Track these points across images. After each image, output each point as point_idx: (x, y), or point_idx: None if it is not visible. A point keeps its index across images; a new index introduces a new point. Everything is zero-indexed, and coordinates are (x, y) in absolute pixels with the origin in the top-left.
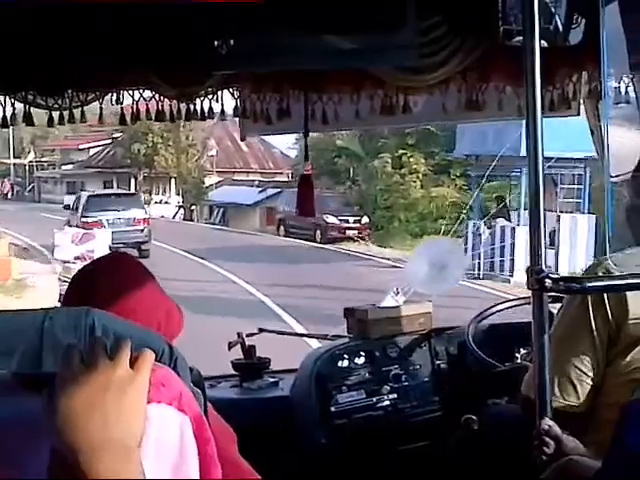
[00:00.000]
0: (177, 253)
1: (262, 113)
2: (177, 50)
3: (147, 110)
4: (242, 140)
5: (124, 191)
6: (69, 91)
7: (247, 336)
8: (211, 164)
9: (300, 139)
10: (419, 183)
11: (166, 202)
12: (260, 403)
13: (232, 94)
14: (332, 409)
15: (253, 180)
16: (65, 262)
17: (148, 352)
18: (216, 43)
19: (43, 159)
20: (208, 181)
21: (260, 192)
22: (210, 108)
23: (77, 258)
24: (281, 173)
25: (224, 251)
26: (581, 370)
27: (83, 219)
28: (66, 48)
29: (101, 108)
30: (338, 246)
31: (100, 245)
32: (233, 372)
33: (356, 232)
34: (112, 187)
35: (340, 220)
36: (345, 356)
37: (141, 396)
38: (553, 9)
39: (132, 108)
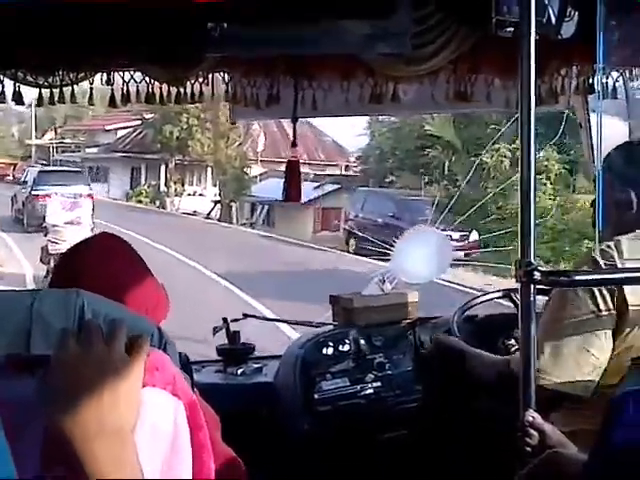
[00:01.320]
0: (209, 278)
1: (252, 98)
2: (169, 32)
3: (137, 92)
4: (232, 124)
5: (70, 168)
6: (60, 70)
7: (232, 321)
8: (254, 152)
9: (373, 123)
10: (550, 187)
11: (200, 194)
12: (243, 389)
13: (223, 78)
14: (315, 396)
15: (305, 173)
16: (54, 225)
17: (144, 336)
18: (209, 26)
19: (66, 140)
20: (251, 172)
21: (315, 188)
22: (201, 92)
23: (67, 223)
24: (335, 165)
25: (277, 279)
26: (587, 350)
27: (33, 192)
28: (57, 27)
29: (91, 88)
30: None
31: (85, 212)
32: (217, 357)
33: (462, 253)
34: (140, 175)
35: None
36: (330, 344)
37: (137, 380)
38: (547, 1)
39: (122, 89)
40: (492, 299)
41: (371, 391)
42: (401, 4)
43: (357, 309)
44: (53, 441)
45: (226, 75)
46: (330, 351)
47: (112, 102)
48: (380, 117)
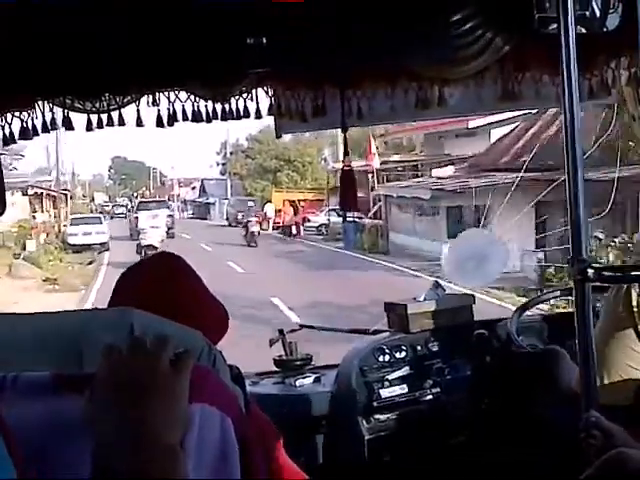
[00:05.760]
0: None
1: (297, 111)
2: (211, 50)
3: (183, 111)
4: (277, 138)
5: (158, 199)
6: (106, 94)
7: (288, 332)
8: None
9: None
10: None
11: None
12: (302, 399)
13: (266, 92)
14: (375, 404)
15: None
16: (143, 229)
17: (189, 351)
18: (249, 41)
19: (392, 159)
20: None
21: None
22: (245, 107)
23: (151, 227)
24: None
25: None
26: (629, 365)
27: (134, 215)
28: (101, 51)
29: (138, 111)
30: None
31: (162, 221)
32: (275, 369)
33: None
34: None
35: None
36: (387, 351)
37: (182, 395)
38: None
39: (168, 110)
40: (551, 298)
41: (430, 397)
42: (440, 8)
43: (412, 315)
44: (102, 459)
45: (270, 89)
46: (387, 358)
47: (159, 123)
48: None
